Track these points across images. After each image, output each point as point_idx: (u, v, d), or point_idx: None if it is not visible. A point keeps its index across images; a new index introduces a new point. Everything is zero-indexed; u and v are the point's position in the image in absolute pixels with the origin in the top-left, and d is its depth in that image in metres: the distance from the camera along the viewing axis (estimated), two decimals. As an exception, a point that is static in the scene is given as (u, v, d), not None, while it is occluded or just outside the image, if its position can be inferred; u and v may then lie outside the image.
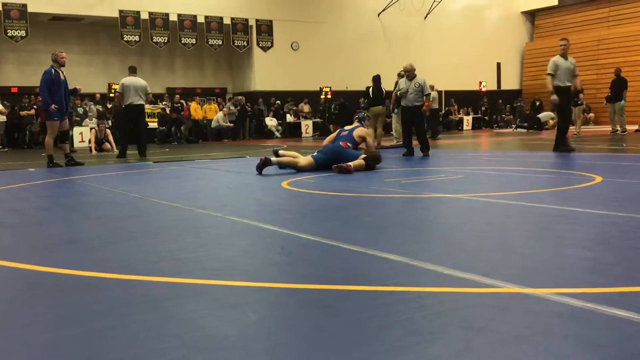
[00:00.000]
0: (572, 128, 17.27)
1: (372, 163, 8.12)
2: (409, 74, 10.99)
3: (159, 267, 2.98)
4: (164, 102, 21.19)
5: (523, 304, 2.24)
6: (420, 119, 11.09)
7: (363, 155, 7.99)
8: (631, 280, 2.50)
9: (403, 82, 11.07)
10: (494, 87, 28.49)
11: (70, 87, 10.54)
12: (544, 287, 2.41)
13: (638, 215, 4.00)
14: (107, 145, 15.99)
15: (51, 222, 4.59)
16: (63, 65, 10.25)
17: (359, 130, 8.57)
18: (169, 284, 2.66)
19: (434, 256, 2.99)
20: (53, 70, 10.05)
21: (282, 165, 8.14)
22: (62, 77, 10.15)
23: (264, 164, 7.83)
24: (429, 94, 11.02)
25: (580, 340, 1.87)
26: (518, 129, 23.42)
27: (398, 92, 11.07)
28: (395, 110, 14.22)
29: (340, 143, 8.29)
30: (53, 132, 10.38)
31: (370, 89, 14.08)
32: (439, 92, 26.29)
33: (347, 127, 8.81)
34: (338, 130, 8.88)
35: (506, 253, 3.11)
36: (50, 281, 2.82)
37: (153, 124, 19.85)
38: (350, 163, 7.66)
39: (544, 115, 23.69)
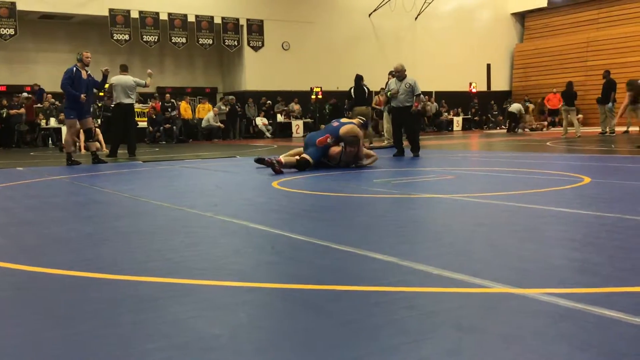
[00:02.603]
0: (571, 129, 17.44)
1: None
2: (399, 74, 10.91)
3: (149, 267, 2.97)
4: (152, 101, 21.08)
5: (512, 304, 2.25)
6: (411, 120, 11.03)
7: (304, 156, 7.96)
8: (620, 280, 2.52)
9: (393, 83, 11.00)
10: (484, 88, 28.60)
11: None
12: (533, 287, 2.42)
13: (626, 216, 4.03)
14: (97, 144, 15.88)
15: (40, 221, 4.56)
16: (87, 65, 10.43)
17: (347, 128, 8.18)
18: (158, 284, 2.65)
19: (424, 256, 3.00)
20: (74, 68, 10.22)
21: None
22: (84, 76, 10.27)
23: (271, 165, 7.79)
24: (419, 94, 10.97)
25: (569, 340, 1.88)
26: (517, 130, 23.06)
27: (388, 93, 11.03)
28: None
29: (319, 139, 8.13)
30: (72, 130, 10.60)
31: (352, 90, 14.05)
32: (429, 93, 26.43)
33: (343, 120, 8.62)
34: (334, 121, 8.73)
35: (496, 253, 3.12)
36: (39, 281, 2.80)
37: (143, 124, 19.76)
38: (281, 157, 7.85)
39: (515, 107, 23.26)
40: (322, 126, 21.06)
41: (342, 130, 8.20)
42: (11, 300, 2.52)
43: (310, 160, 7.95)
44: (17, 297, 2.56)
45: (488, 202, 4.94)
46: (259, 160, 8.28)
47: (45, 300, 2.48)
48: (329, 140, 8.11)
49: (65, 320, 2.19)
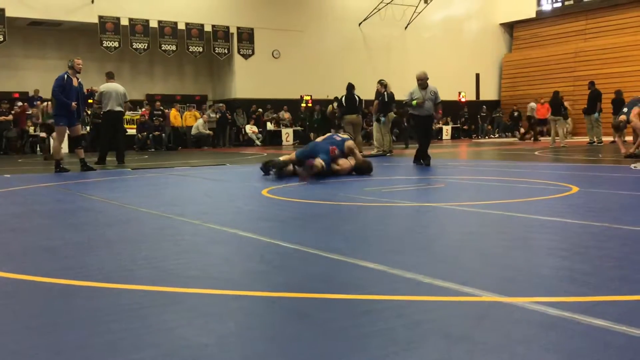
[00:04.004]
0: (557, 139, 17.56)
1: (367, 171, 8.57)
2: (422, 82, 10.60)
3: (137, 275, 2.94)
4: (143, 109, 21.02)
5: (501, 312, 2.26)
6: (431, 128, 10.85)
7: (320, 161, 8.02)
8: (607, 289, 2.53)
9: (417, 92, 10.63)
10: (472, 97, 28.76)
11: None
12: (522, 296, 2.43)
13: (613, 225, 4.06)
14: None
15: (26, 229, 4.52)
16: (79, 72, 10.43)
17: (350, 143, 8.67)
18: (146, 292, 2.63)
19: (414, 265, 3.00)
20: (66, 76, 10.23)
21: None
22: (75, 83, 10.29)
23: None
24: (440, 102, 10.80)
25: (557, 349, 1.88)
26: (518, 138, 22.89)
27: (413, 102, 10.61)
28: (383, 119, 14.21)
29: (330, 147, 8.31)
30: (61, 137, 10.61)
31: (344, 98, 14.05)
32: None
33: (341, 135, 8.85)
34: (331, 134, 8.84)
35: (485, 262, 3.13)
36: (24, 289, 2.77)
37: (132, 131, 19.68)
38: (315, 161, 7.82)
39: (531, 108, 23.02)
40: (312, 134, 21.12)
41: (347, 144, 8.58)
42: (-4, 309, 2.49)
43: (324, 165, 8.04)
44: (2, 305, 2.53)
45: (477, 211, 4.96)
46: (271, 166, 8.28)
47: (31, 309, 2.45)
48: (336, 152, 8.28)
49: (51, 329, 2.17)
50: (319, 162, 7.91)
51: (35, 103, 19.08)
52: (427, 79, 10.67)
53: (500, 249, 3.47)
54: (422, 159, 10.56)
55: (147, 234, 4.22)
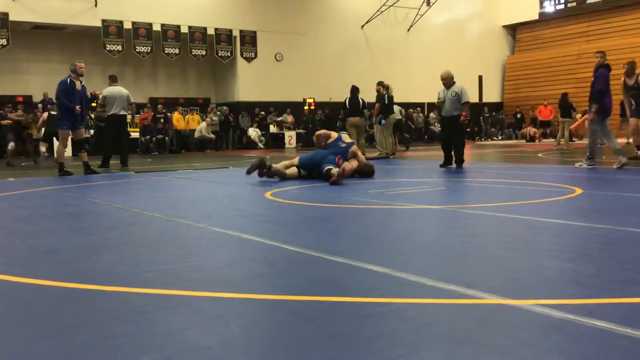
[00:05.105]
0: (562, 140, 17.55)
1: (369, 174, 8.63)
2: (445, 82, 10.37)
3: (141, 278, 2.95)
4: (144, 111, 21.04)
5: (505, 315, 2.26)
6: (456, 130, 10.38)
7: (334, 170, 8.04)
8: (611, 291, 2.53)
9: (442, 92, 10.42)
10: (475, 99, 28.73)
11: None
12: (526, 298, 2.43)
13: (617, 227, 4.06)
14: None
15: (31, 232, 4.53)
16: (81, 76, 10.48)
17: (354, 148, 8.66)
18: (150, 295, 2.64)
19: (418, 267, 3.00)
20: (68, 80, 10.26)
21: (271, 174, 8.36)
22: (78, 87, 10.33)
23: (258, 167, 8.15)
24: (467, 102, 10.33)
25: (561, 351, 1.88)
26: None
27: (436, 102, 10.54)
28: (383, 122, 14.21)
29: (336, 157, 8.27)
30: (64, 141, 10.64)
31: (347, 100, 14.03)
32: (421, 105, 26.53)
33: (346, 140, 8.75)
34: (336, 137, 8.74)
35: (488, 264, 3.13)
36: (30, 292, 2.79)
37: (135, 134, 19.72)
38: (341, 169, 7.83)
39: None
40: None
41: (352, 149, 8.60)
42: (2, 312, 2.50)
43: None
44: (8, 309, 2.54)
45: (480, 213, 4.96)
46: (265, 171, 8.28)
47: (37, 312, 2.46)
48: (340, 161, 8.27)
49: (57, 332, 2.18)
50: (348, 165, 8.11)
51: (48, 107, 19.13)
52: (451, 77, 10.38)
53: (504, 251, 3.47)
54: (455, 162, 10.31)
55: (151, 237, 4.23)
